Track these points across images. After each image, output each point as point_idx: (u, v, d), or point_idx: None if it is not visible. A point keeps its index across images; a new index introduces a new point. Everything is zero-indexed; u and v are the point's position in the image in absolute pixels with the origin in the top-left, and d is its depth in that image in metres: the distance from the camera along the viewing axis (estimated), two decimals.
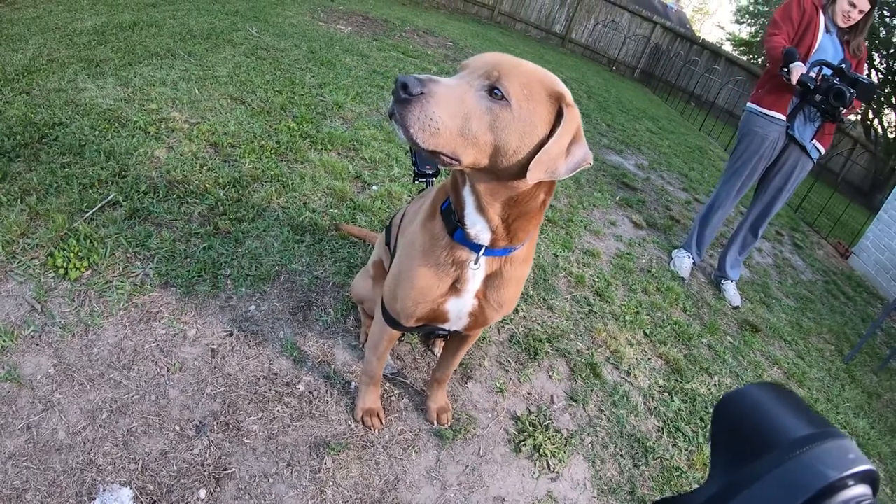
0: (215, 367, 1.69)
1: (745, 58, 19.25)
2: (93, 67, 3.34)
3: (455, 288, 1.24)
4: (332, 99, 3.81)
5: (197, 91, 3.35)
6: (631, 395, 2.18)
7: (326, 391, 1.73)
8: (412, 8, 9.96)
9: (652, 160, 5.76)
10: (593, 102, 7.36)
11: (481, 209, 1.09)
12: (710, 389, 2.43)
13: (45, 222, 1.98)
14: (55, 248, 1.89)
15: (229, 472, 1.42)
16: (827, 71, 2.80)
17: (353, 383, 1.79)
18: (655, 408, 2.18)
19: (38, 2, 4.72)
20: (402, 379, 1.86)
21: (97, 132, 2.62)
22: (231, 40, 4.50)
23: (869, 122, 16.05)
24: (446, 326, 1.37)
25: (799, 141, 3.05)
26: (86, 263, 1.87)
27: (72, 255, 1.88)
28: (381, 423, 1.66)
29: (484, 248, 1.15)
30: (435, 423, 1.73)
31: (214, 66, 3.83)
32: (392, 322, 1.38)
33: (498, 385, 1.97)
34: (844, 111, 2.79)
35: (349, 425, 1.65)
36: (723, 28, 41.82)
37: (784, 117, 3.02)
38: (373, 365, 1.57)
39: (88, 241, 1.96)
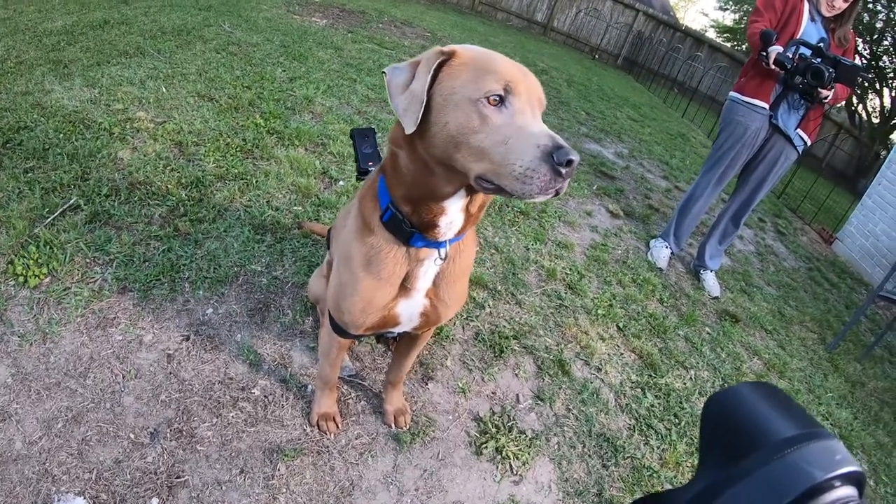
0: (171, 373, 1.66)
1: (728, 44, 19.24)
2: (61, 68, 3.27)
3: (405, 288, 1.20)
4: (302, 93, 3.73)
5: (164, 89, 3.27)
6: (601, 391, 2.14)
7: (282, 395, 1.69)
8: None
9: (632, 148, 5.71)
10: (573, 91, 7.31)
11: (470, 205, 1.08)
12: (685, 384, 2.39)
13: (6, 229, 1.94)
14: (15, 255, 1.86)
15: (182, 479, 1.40)
16: (806, 52, 2.72)
17: (309, 386, 1.74)
18: (627, 405, 2.13)
19: (8, 3, 4.65)
20: (359, 381, 1.82)
21: (61, 135, 2.57)
22: (202, 36, 4.41)
23: (853, 108, 16.11)
24: (397, 330, 1.34)
25: (783, 130, 2.99)
26: (45, 270, 1.85)
27: (31, 262, 1.85)
28: (338, 427, 1.62)
29: (448, 240, 1.14)
30: (392, 426, 1.68)
31: (183, 63, 3.75)
32: (340, 332, 1.34)
33: (460, 385, 1.92)
34: (828, 97, 2.72)
35: (304, 430, 1.61)
36: (706, 15, 41.84)
37: (767, 106, 2.94)
38: (326, 371, 1.53)
39: (48, 246, 1.92)
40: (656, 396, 2.23)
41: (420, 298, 1.23)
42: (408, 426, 1.69)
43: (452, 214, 1.07)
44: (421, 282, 1.20)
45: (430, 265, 1.17)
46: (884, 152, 14.97)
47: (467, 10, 12.09)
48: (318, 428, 1.61)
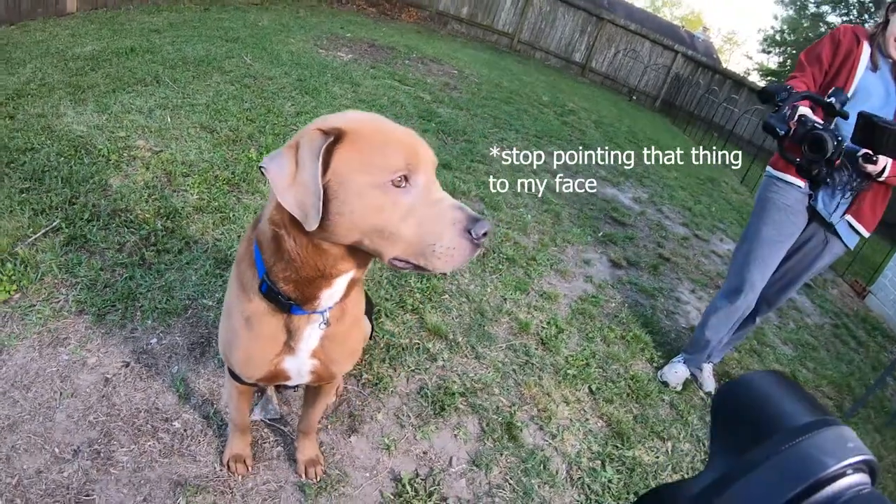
0: (104, 396, 1.71)
1: None
2: (78, 93, 3.43)
3: (289, 346, 1.18)
4: None
5: (169, 119, 3.37)
6: (551, 461, 1.95)
7: (202, 431, 1.69)
8: (426, 36, 10.01)
9: (653, 193, 5.53)
10: (600, 132, 7.20)
11: (356, 273, 1.07)
12: (657, 458, 2.14)
13: None
14: None
15: (90, 498, 1.44)
16: (807, 112, 1.97)
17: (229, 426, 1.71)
18: (580, 478, 1.93)
19: (46, 25, 4.91)
20: (281, 426, 1.77)
21: (62, 159, 2.68)
22: (221, 68, 4.56)
23: None
24: (290, 383, 1.33)
25: (823, 217, 2.26)
26: (16, 287, 1.95)
27: (5, 277, 1.95)
28: (248, 469, 1.60)
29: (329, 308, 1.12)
30: (303, 476, 1.63)
31: (195, 93, 3.87)
32: (235, 378, 1.33)
33: (387, 441, 1.81)
34: (877, 173, 1.95)
35: (215, 468, 1.60)
36: (751, 58, 40.46)
37: (803, 184, 2.24)
38: (233, 414, 1.53)
39: (24, 265, 2.02)
40: (617, 471, 2.02)
41: (306, 359, 1.21)
42: (318, 478, 1.62)
43: (337, 287, 1.07)
44: (305, 343, 1.18)
45: (313, 329, 1.15)
46: None
47: (505, 49, 12.21)
48: (228, 468, 1.59)
